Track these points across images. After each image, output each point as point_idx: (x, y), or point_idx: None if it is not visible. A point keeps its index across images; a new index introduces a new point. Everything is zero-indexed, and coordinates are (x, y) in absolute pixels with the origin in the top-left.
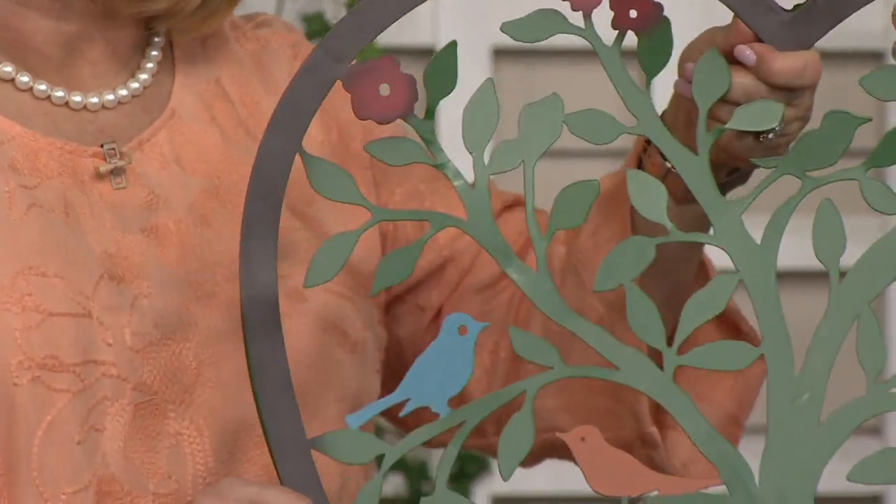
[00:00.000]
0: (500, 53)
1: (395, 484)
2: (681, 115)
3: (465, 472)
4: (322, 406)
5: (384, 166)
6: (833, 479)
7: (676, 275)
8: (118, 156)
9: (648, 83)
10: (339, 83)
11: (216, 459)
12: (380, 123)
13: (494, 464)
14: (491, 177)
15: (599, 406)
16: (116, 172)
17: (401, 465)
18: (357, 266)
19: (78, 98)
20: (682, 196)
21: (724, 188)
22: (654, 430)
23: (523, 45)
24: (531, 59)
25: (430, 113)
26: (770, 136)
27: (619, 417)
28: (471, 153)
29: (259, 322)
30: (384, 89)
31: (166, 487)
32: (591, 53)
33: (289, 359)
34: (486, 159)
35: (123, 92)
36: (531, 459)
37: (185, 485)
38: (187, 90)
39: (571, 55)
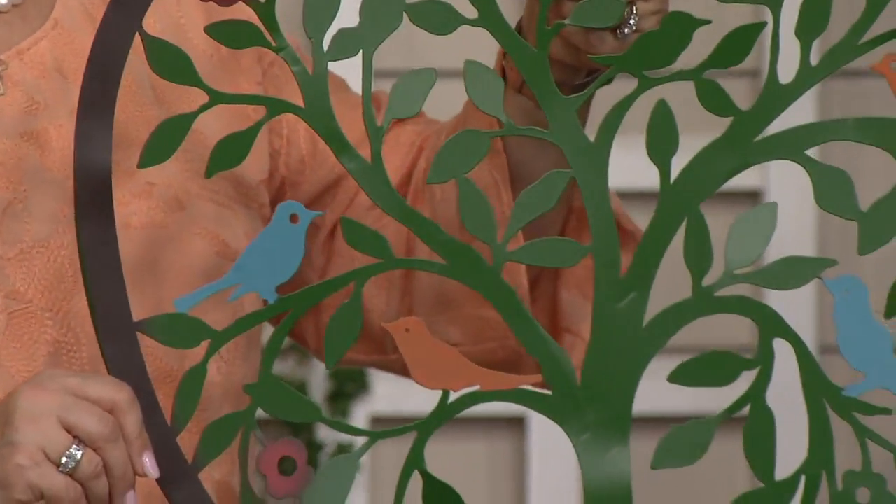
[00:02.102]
0: None
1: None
2: (535, 16)
3: (344, 392)
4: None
5: (277, 81)
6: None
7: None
8: None
9: None
10: None
11: (93, 368)
12: (220, 6)
13: (373, 384)
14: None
15: (487, 316)
16: None
17: None
18: (241, 176)
19: None
20: None
21: (582, 88)
22: None
23: None
24: None
25: None
26: (626, 31)
27: (505, 326)
28: (310, 38)
29: (90, 202)
30: None
31: None
32: None
33: (168, 269)
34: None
35: (3, 1)
36: None
37: None
38: (71, 0)
39: None
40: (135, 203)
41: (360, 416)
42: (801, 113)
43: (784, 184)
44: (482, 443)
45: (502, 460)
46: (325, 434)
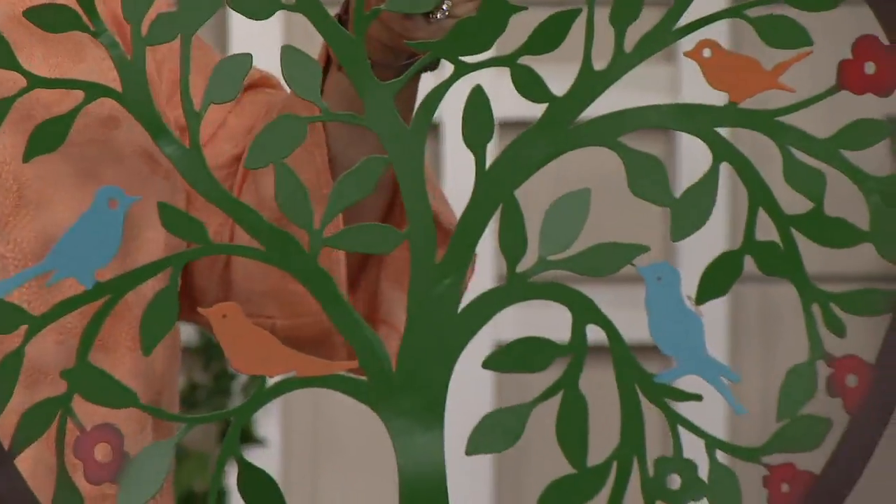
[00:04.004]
0: None
1: (187, 332)
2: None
3: None
4: (148, 229)
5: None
6: None
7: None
8: None
9: None
10: None
11: (38, 283)
12: None
13: None
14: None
15: (300, 291)
16: None
17: None
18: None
19: None
20: None
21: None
22: None
23: None
24: None
25: None
26: (438, 15)
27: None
28: (129, 23)
29: None
30: None
31: None
32: None
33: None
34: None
35: None
36: None
37: None
38: None
39: None
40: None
41: None
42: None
43: None
44: None
45: None
46: None
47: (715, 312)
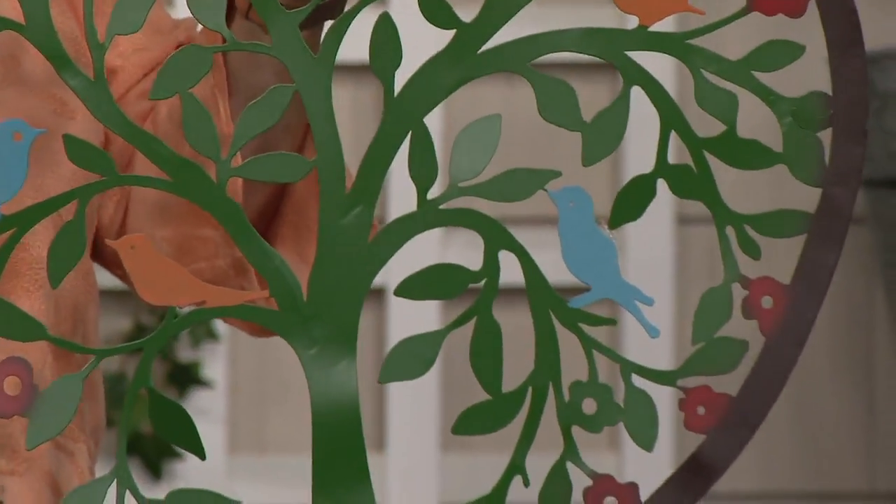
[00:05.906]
0: None
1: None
2: None
3: None
4: (58, 164)
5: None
6: None
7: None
8: None
9: None
10: None
11: None
12: None
13: None
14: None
15: (202, 236)
16: None
17: None
18: (77, 36)
19: None
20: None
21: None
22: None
23: None
24: None
25: None
26: None
27: (216, 245)
28: None
29: None
30: None
31: None
32: None
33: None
34: None
35: None
36: None
37: None
38: None
39: None
40: None
41: None
42: None
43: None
44: None
45: (363, 332)
46: None
47: (662, 253)
